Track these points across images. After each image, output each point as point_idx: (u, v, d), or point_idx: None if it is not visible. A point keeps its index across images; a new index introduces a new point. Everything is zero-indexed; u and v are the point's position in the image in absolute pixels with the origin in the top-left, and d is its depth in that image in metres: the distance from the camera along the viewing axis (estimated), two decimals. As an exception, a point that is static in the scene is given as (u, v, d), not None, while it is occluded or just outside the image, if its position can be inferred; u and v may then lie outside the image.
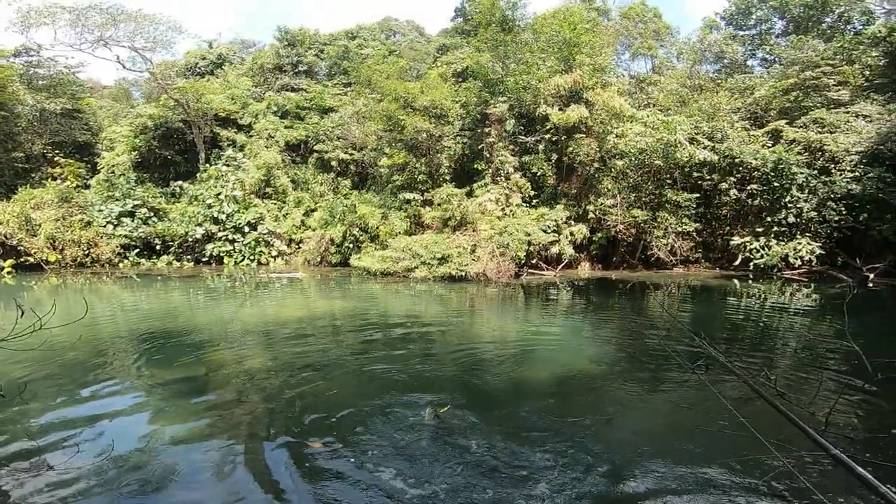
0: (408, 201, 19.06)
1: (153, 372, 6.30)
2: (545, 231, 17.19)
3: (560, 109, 17.82)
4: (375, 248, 18.37)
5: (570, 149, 18.21)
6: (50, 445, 4.13)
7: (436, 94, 18.95)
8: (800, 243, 15.64)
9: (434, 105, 18.89)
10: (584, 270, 18.44)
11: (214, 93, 25.25)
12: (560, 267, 17.75)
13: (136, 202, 20.88)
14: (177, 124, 24.48)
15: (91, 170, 25.15)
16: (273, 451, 4.08)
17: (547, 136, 18.68)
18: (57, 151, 24.55)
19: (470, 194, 18.70)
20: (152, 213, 21.11)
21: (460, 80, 22.41)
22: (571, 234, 17.71)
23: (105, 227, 19.88)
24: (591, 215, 18.04)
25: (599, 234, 18.26)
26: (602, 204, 17.99)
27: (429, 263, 16.02)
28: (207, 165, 23.51)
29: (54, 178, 21.97)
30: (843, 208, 15.54)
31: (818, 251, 15.36)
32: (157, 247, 20.69)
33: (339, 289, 15.06)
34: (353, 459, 3.89)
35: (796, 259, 15.53)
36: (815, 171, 16.35)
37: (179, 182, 23.46)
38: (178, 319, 9.95)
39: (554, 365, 6.70)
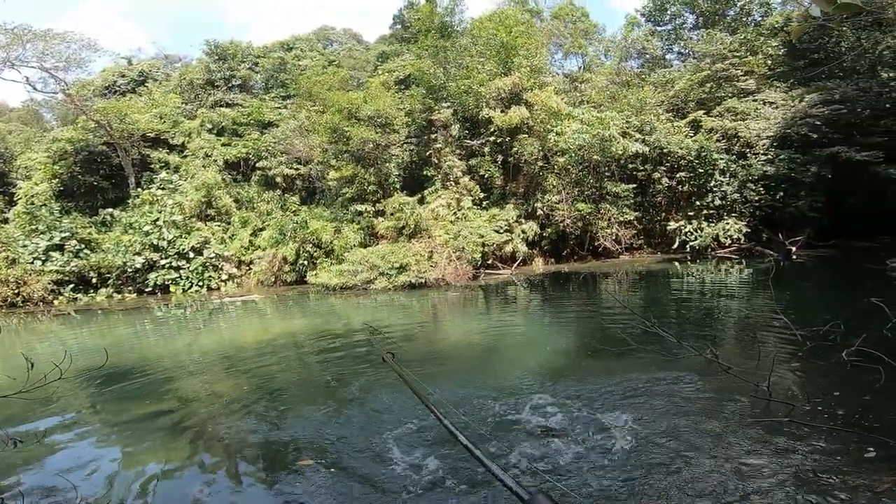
0: (360, 213, 18.94)
1: (120, 410, 6.03)
2: (498, 231, 17.67)
3: (502, 111, 18.40)
4: (331, 263, 18.11)
5: (515, 149, 18.83)
6: (47, 491, 3.95)
7: (380, 103, 18.96)
8: (727, 224, 17.04)
9: (379, 114, 18.89)
10: (539, 266, 19.09)
11: (139, 112, 23.74)
12: (515, 265, 18.29)
13: (63, 234, 19.35)
14: (99, 147, 22.73)
15: (8, 201, 23.06)
16: (262, 473, 4.07)
17: (491, 139, 19.23)
18: None
19: (421, 201, 18.87)
20: (83, 245, 19.63)
21: (403, 87, 22.50)
22: (523, 231, 18.32)
23: (32, 263, 18.34)
24: (539, 212, 18.75)
25: (549, 230, 18.99)
26: (549, 200, 18.73)
27: (387, 274, 16.03)
28: (140, 190, 22.07)
29: (-33, 214, 20.09)
30: (761, 188, 17.02)
31: (745, 230, 16.81)
32: (94, 280, 19.28)
33: (298, 307, 14.75)
34: (339, 473, 3.94)
35: (726, 238, 16.92)
36: (734, 157, 17.83)
37: (109, 210, 21.89)
38: (132, 354, 9.35)
39: (521, 358, 6.99)
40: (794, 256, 14.96)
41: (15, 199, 22.54)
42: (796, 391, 4.95)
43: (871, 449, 3.69)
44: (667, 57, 30.05)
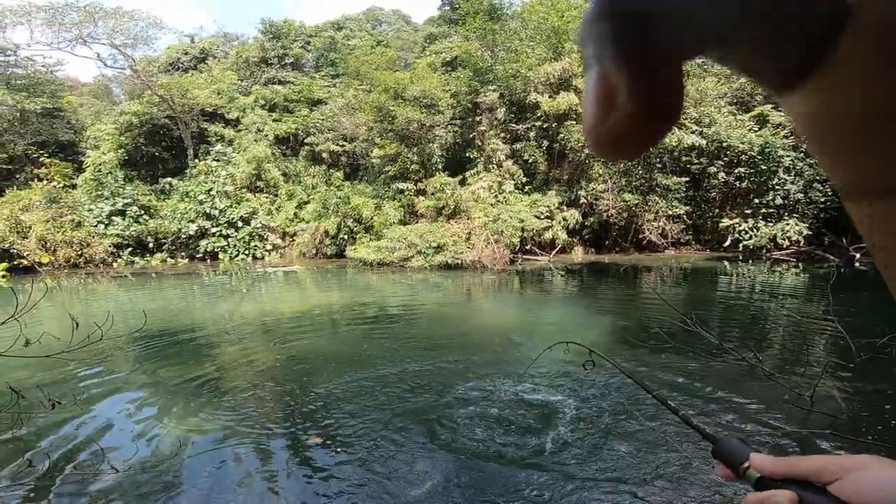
0: (401, 191, 19.06)
1: (158, 374, 6.24)
2: (538, 217, 17.32)
3: (550, 97, 17.86)
4: (370, 239, 18.40)
5: (561, 135, 18.27)
6: (72, 452, 4.04)
7: (426, 83, 18.85)
8: (787, 224, 15.91)
9: (424, 95, 18.79)
10: (578, 255, 18.63)
11: (199, 88, 24.85)
12: (554, 252, 17.92)
13: (125, 201, 20.63)
14: (162, 120, 24.09)
15: (77, 169, 24.71)
16: (281, 447, 4.12)
17: (538, 124, 18.73)
18: (41, 151, 24.02)
19: (463, 183, 18.74)
20: (143, 211, 20.87)
21: (450, 69, 22.27)
22: (564, 219, 17.87)
23: (96, 226, 19.65)
24: (582, 200, 18.20)
25: (591, 219, 18.44)
26: (593, 189, 18.12)
27: (425, 252, 16.10)
28: (196, 161, 23.24)
29: (40, 179, 21.50)
30: (829, 189, 15.76)
31: (805, 231, 15.65)
32: (151, 245, 20.50)
33: (336, 280, 15.10)
34: (351, 456, 3.93)
35: (784, 240, 15.81)
36: (802, 154, 16.54)
37: (169, 179, 23.15)
38: (180, 318, 9.86)
39: (552, 350, 6.84)
40: (857, 263, 13.82)
41: (83, 167, 24.18)
42: (841, 403, 4.61)
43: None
44: None
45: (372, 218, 18.90)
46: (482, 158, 18.98)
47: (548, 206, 17.66)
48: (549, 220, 17.58)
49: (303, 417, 4.70)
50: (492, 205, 17.61)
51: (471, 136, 19.57)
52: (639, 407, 4.70)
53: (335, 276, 15.82)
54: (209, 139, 24.28)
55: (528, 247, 17.54)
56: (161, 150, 24.44)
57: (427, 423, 4.50)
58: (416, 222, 18.36)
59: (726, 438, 0.66)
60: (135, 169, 24.00)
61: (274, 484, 3.56)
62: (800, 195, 16.00)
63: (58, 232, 18.66)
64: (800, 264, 14.62)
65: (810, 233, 15.76)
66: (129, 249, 20.12)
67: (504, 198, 18.05)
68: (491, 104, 19.11)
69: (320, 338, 8.00)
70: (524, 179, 18.86)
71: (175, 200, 21.85)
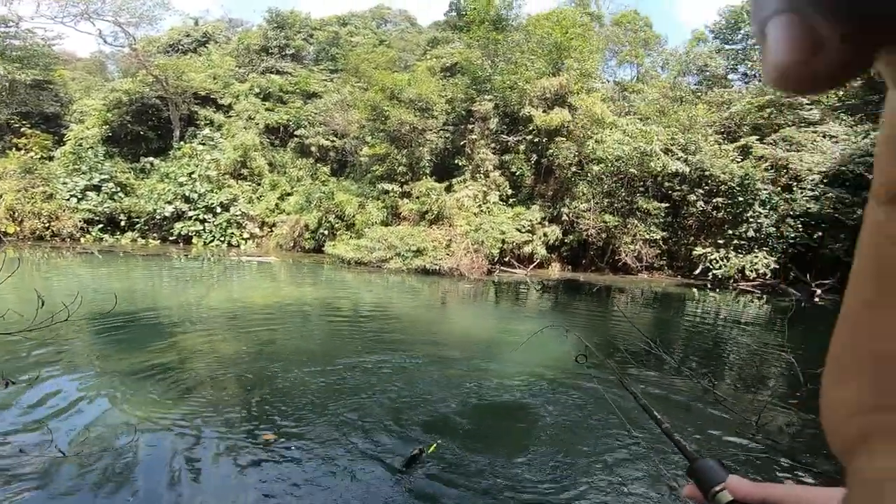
0: (386, 192, 19.04)
1: (118, 359, 6.02)
2: (520, 230, 17.47)
3: (544, 111, 18.06)
4: (351, 237, 18.33)
5: (551, 151, 18.48)
6: (20, 434, 3.92)
7: (423, 87, 18.93)
8: (756, 257, 16.31)
9: (420, 98, 18.87)
10: (555, 271, 18.81)
11: (196, 71, 24.55)
12: (532, 266, 18.07)
13: (102, 176, 20.05)
14: (153, 100, 23.65)
15: (57, 142, 23.99)
16: (233, 441, 4.04)
17: (529, 137, 18.90)
18: (24, 122, 23.26)
19: (449, 189, 18.81)
20: (119, 189, 20.28)
21: (448, 74, 22.42)
22: (545, 234, 18.05)
23: (68, 200, 19.08)
24: (564, 217, 18.40)
25: (571, 237, 18.64)
26: (576, 207, 18.34)
27: (404, 255, 16.11)
28: (182, 143, 22.82)
29: (18, 149, 20.90)
30: (800, 225, 16.20)
31: (773, 265, 16.07)
32: (122, 223, 19.90)
33: (311, 275, 14.97)
34: (303, 454, 3.91)
35: (752, 272, 16.20)
36: (779, 189, 16.98)
37: (150, 158, 22.59)
38: (145, 301, 9.60)
39: (519, 363, 6.92)
40: (817, 299, 14.25)
41: (64, 140, 23.55)
42: (784, 431, 4.79)
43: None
44: (729, 77, 28.75)
45: (354, 216, 18.83)
46: (470, 167, 19.09)
47: (530, 221, 17.83)
48: (531, 235, 17.73)
49: (260, 411, 4.66)
50: (475, 214, 17.71)
51: (461, 143, 19.68)
52: (607, 417, 4.79)
53: (311, 271, 15.69)
54: (198, 123, 23.89)
55: (506, 258, 17.66)
56: (147, 129, 23.91)
57: (385, 422, 4.53)
58: (399, 224, 18.36)
59: (704, 459, 0.66)
60: (117, 146, 23.42)
61: (218, 479, 3.53)
62: (772, 229, 16.42)
63: (28, 203, 18.12)
64: (764, 296, 15.01)
65: (777, 266, 16.19)
66: (100, 226, 19.52)
67: (488, 208, 18.17)
68: (485, 113, 19.25)
69: (289, 331, 7.95)
70: (510, 191, 19.01)
71: (154, 180, 21.34)
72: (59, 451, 3.56)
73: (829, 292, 14.88)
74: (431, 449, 3.97)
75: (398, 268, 15.95)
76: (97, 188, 19.86)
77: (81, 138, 22.63)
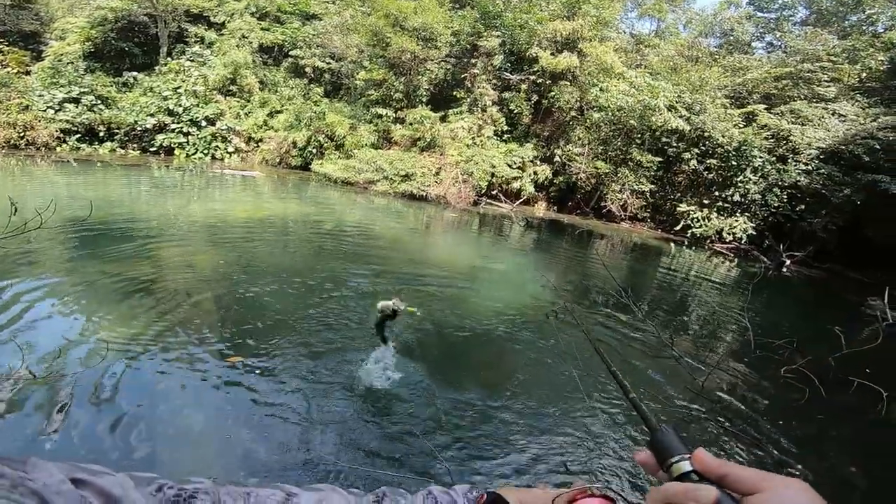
0: (380, 116, 18.19)
1: (97, 270, 5.72)
2: (510, 166, 17.15)
3: (552, 54, 17.09)
4: (339, 157, 17.77)
5: (553, 93, 17.71)
6: None
7: (429, 16, 17.47)
8: (737, 221, 16.44)
9: (425, 28, 17.49)
10: (540, 209, 18.78)
11: None
12: (518, 202, 17.98)
13: (83, 89, 18.55)
14: (141, 18, 21.49)
15: (35, 58, 21.90)
16: (204, 362, 3.95)
17: (532, 77, 18.01)
18: (1, 40, 21.18)
19: (444, 119, 18.09)
20: (99, 101, 18.81)
21: (457, 6, 20.67)
22: (535, 173, 17.79)
23: (45, 111, 17.65)
24: (557, 159, 18.06)
25: (561, 178, 18.42)
26: (570, 150, 17.94)
27: (391, 179, 15.78)
28: (168, 59, 21.10)
29: (-6, 66, 19.00)
30: (785, 196, 16.21)
31: (751, 231, 16.31)
32: (101, 133, 18.65)
33: (296, 191, 14.60)
34: (268, 377, 3.86)
35: (730, 234, 16.45)
36: (773, 158, 16.80)
37: (134, 73, 20.86)
38: (121, 211, 9.07)
39: (495, 297, 7.08)
40: (785, 270, 14.68)
41: (42, 56, 21.48)
42: (727, 393, 5.02)
43: (761, 453, 3.87)
44: (753, 44, 27.20)
45: (345, 137, 18.05)
46: (468, 100, 18.22)
47: (522, 158, 17.45)
48: (521, 171, 17.42)
49: (233, 330, 4.56)
50: (468, 145, 17.20)
51: (462, 76, 18.60)
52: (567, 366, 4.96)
53: (296, 187, 15.29)
54: (188, 40, 21.97)
55: (494, 192, 17.49)
56: (132, 45, 21.90)
57: (354, 340, 4.58)
58: (389, 149, 17.79)
59: (666, 430, 0.66)
60: (99, 61, 21.47)
61: (184, 400, 3.47)
62: (757, 196, 16.47)
63: (2, 114, 16.87)
64: (735, 259, 15.33)
65: (754, 233, 16.43)
66: (77, 136, 18.25)
67: (482, 141, 17.63)
68: (490, 49, 18.04)
69: (270, 246, 7.82)
70: (505, 128, 18.39)
71: (137, 94, 19.83)
72: (30, 374, 3.46)
73: (798, 264, 15.32)
74: (411, 310, 3.90)
75: (385, 190, 15.68)
76: (76, 101, 18.35)
77: (61, 54, 20.71)
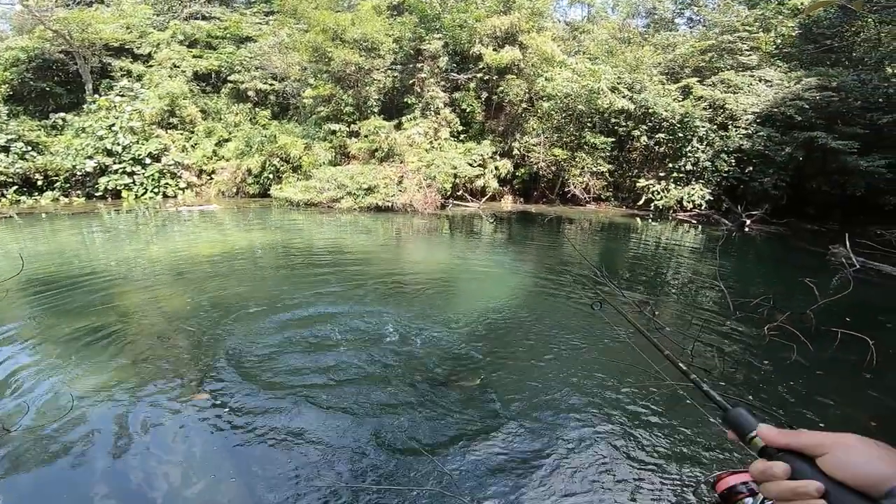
0: (333, 132, 17.60)
1: (59, 323, 5.33)
2: (471, 165, 17.07)
3: (494, 50, 17.09)
4: (298, 178, 17.25)
5: (501, 88, 17.71)
6: None
7: (368, 26, 17.07)
8: (693, 189, 16.91)
9: (366, 38, 17.09)
10: (507, 203, 18.79)
11: (104, 22, 20.75)
12: (484, 199, 17.93)
13: (9, 136, 17.10)
14: (56, 56, 20.07)
15: None
16: (177, 406, 3.73)
17: (479, 75, 17.94)
18: None
19: (399, 127, 17.82)
20: (30, 148, 17.40)
21: (395, 13, 20.53)
22: (496, 168, 17.79)
23: None
24: (515, 152, 18.12)
25: (522, 170, 18.50)
26: (527, 142, 18.04)
27: (355, 194, 15.42)
28: (97, 97, 19.69)
29: None
30: (733, 160, 16.73)
31: (708, 197, 16.79)
32: (39, 182, 17.30)
33: (259, 220, 13.99)
34: (244, 416, 3.63)
35: (689, 202, 16.90)
36: (715, 126, 17.39)
37: (61, 114, 19.34)
38: (77, 261, 8.41)
39: (476, 295, 6.94)
40: (747, 229, 15.16)
41: None
42: (716, 358, 5.00)
43: (767, 419, 3.82)
44: (675, 21, 28.01)
45: (300, 157, 17.39)
46: (420, 105, 17.97)
47: (481, 155, 17.40)
48: (482, 169, 17.35)
49: (204, 369, 4.29)
50: (426, 150, 16.99)
51: (410, 82, 18.28)
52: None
53: (258, 216, 14.68)
54: (113, 74, 20.58)
55: (459, 193, 17.38)
56: (53, 84, 20.46)
57: (349, 381, 4.30)
58: (348, 164, 17.42)
59: (736, 409, 0.70)
60: (21, 104, 19.95)
61: (164, 445, 3.26)
62: (707, 163, 16.94)
63: None
64: (699, 225, 15.71)
65: (712, 198, 16.91)
66: (15, 188, 16.90)
67: (439, 144, 17.46)
68: (434, 52, 17.80)
69: (240, 279, 7.36)
70: (460, 128, 18.25)
71: (69, 136, 18.37)
72: (2, 428, 3.38)
73: (758, 223, 15.86)
74: (477, 382, 4.02)
75: (350, 206, 15.31)
76: (5, 149, 16.95)
77: (-23, 101, 18.92)
